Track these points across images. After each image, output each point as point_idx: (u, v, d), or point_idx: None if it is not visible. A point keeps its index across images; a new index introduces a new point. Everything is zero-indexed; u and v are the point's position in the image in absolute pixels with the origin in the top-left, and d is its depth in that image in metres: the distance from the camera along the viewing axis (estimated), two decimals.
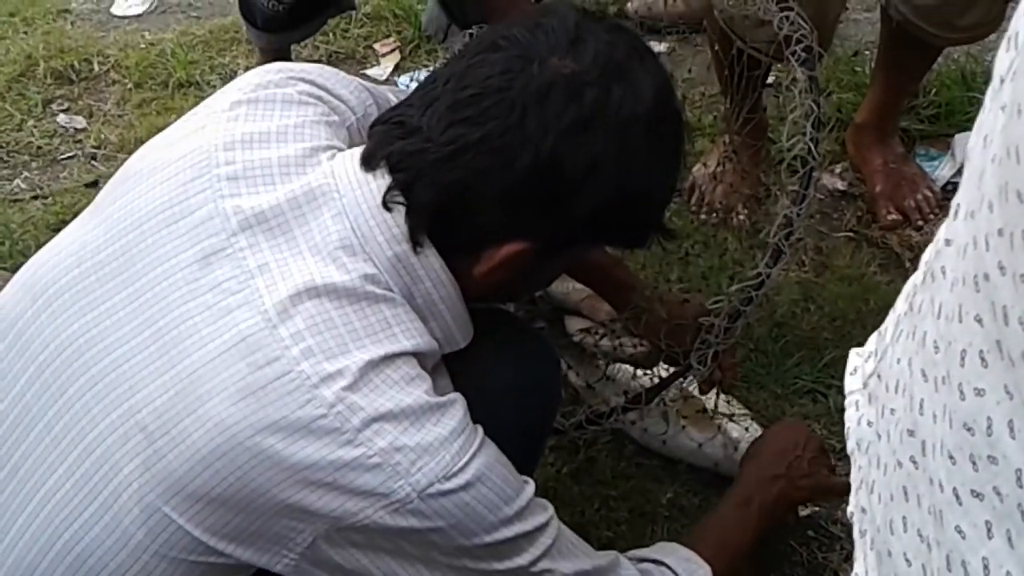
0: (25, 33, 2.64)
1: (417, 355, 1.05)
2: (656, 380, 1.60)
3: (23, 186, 2.25)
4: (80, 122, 2.39)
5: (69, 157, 2.32)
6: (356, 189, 1.06)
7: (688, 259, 1.94)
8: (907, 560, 0.73)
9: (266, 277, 1.02)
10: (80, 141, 2.35)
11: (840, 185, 2.16)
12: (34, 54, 2.53)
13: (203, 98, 2.34)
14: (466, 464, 1.03)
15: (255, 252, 1.04)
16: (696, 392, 1.63)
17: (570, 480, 1.67)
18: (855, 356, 0.94)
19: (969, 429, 0.63)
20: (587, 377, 1.70)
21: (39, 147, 2.33)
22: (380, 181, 1.06)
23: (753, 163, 2.03)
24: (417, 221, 1.05)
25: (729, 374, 1.57)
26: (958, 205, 0.67)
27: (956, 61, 2.28)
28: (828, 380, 1.76)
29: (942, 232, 0.70)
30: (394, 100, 1.25)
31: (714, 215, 2.05)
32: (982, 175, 0.62)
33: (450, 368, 1.13)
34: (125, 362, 1.04)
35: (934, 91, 2.24)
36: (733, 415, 1.65)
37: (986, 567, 0.63)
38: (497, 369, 1.22)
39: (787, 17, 1.45)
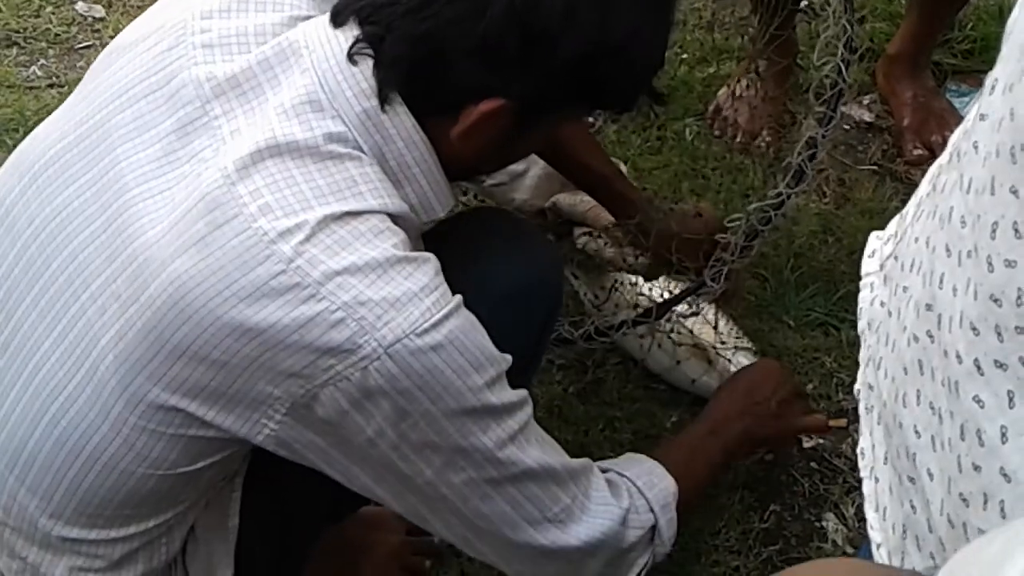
0: None
1: (388, 215, 1.01)
2: (667, 295, 1.59)
3: (39, 73, 2.23)
4: (99, 11, 2.36)
5: (87, 46, 2.28)
6: (324, 44, 1.03)
7: (707, 182, 1.92)
8: (916, 432, 0.74)
9: (236, 141, 1.00)
10: (98, 31, 2.31)
11: (867, 117, 2.13)
12: None
13: None
14: (438, 323, 0.98)
15: (229, 119, 1.02)
16: (699, 322, 1.61)
17: (576, 399, 1.67)
18: (875, 239, 0.94)
19: (996, 300, 0.62)
20: (595, 289, 1.68)
21: (57, 35, 2.29)
22: (349, 34, 1.03)
23: (779, 87, 2.00)
24: (387, 75, 1.02)
25: (736, 299, 1.55)
26: (995, 80, 0.66)
27: None
28: (842, 313, 1.75)
29: (974, 109, 0.69)
30: None
31: (736, 138, 2.02)
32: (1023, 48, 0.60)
33: (447, 260, 1.08)
34: (102, 233, 1.03)
35: (970, 25, 2.19)
36: (733, 347, 1.64)
37: (1004, 435, 0.64)
38: (497, 263, 1.20)
39: None
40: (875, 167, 2.02)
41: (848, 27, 1.39)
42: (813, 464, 1.60)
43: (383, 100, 1.02)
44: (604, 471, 1.23)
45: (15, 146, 1.98)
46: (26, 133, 2.02)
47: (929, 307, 0.72)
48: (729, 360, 1.61)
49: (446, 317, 0.99)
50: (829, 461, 1.60)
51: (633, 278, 1.67)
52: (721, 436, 1.39)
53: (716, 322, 1.63)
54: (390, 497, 1.09)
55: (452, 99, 1.04)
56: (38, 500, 1.07)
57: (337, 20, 1.04)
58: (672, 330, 1.61)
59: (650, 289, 1.64)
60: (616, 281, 1.68)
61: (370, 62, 1.02)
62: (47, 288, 1.05)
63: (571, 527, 1.13)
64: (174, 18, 1.08)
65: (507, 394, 1.06)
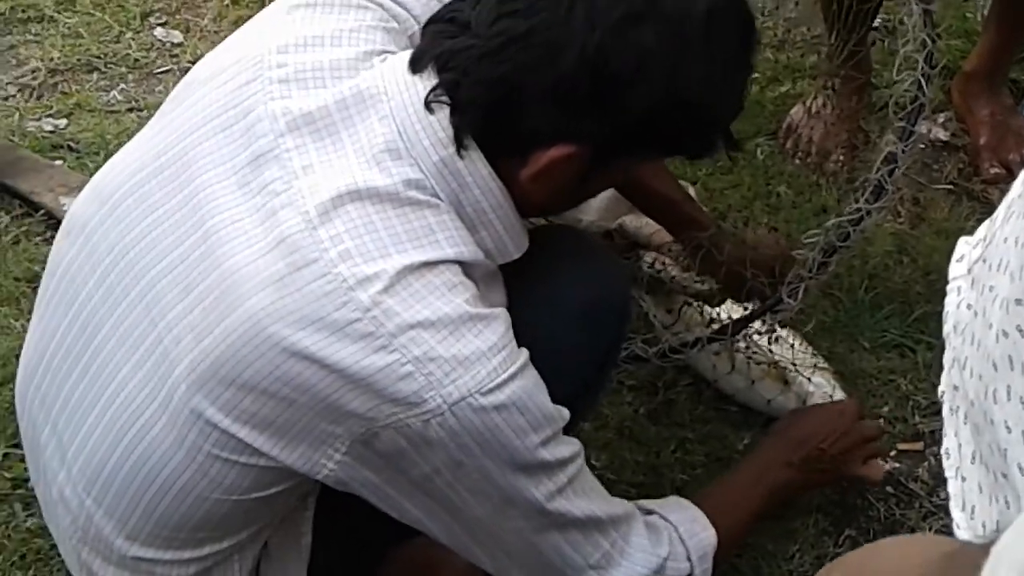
0: None
1: (462, 264, 1.03)
2: (738, 315, 1.58)
3: (119, 98, 2.28)
4: (177, 36, 2.41)
5: (165, 71, 2.33)
6: (404, 91, 1.04)
7: (779, 201, 1.90)
8: (1007, 427, 0.73)
9: (310, 178, 1.02)
10: (176, 56, 2.36)
11: (942, 135, 2.09)
12: None
13: None
14: (502, 383, 1.01)
15: (301, 153, 1.03)
16: (774, 344, 1.60)
17: (647, 420, 1.66)
18: (963, 244, 0.93)
19: None
20: (664, 311, 1.68)
21: (136, 60, 2.35)
22: (427, 82, 1.04)
23: (854, 105, 1.98)
24: (463, 120, 1.03)
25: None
26: None
27: None
28: (917, 335, 1.72)
29: None
30: None
31: (809, 157, 2.00)
32: None
33: (515, 279, 1.11)
34: (180, 263, 1.05)
35: None
36: (811, 367, 1.62)
37: None
38: (565, 283, 1.20)
39: None
40: (951, 186, 1.99)
41: (928, 41, 1.38)
42: (889, 488, 1.57)
43: (459, 146, 1.03)
44: (648, 513, 1.24)
45: (96, 169, 2.05)
46: (107, 157, 2.08)
47: (1019, 302, 0.71)
48: (809, 379, 1.59)
49: (511, 378, 1.02)
50: (905, 485, 1.57)
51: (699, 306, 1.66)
52: (766, 486, 1.39)
53: (792, 342, 1.62)
54: (439, 530, 1.11)
55: (524, 142, 1.05)
56: (114, 523, 1.09)
57: (415, 66, 1.05)
58: (747, 348, 1.59)
59: (719, 312, 1.62)
60: (684, 302, 1.67)
61: (447, 109, 1.04)
62: (126, 315, 1.08)
63: (610, 572, 1.15)
64: (251, 52, 1.09)
65: (560, 449, 1.08)
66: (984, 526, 0.78)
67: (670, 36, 1.02)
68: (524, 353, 1.05)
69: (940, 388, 0.88)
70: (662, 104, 1.05)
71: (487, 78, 1.03)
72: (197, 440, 1.04)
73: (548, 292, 1.15)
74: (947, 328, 0.89)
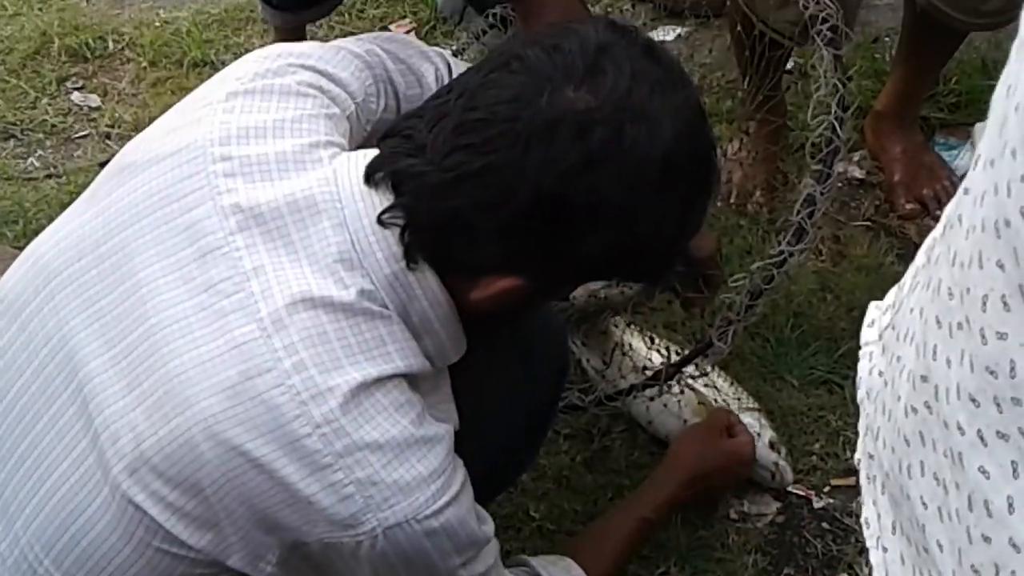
0: (40, 10, 2.63)
1: (409, 376, 1.04)
2: (670, 357, 1.60)
3: (37, 164, 2.25)
4: (94, 100, 2.39)
5: (83, 136, 2.31)
6: (358, 202, 1.03)
7: None
8: (923, 503, 0.74)
9: (261, 280, 1.01)
10: (94, 120, 2.34)
11: (858, 173, 2.15)
12: (49, 31, 2.52)
13: None
14: (438, 511, 1.03)
15: (251, 253, 1.02)
16: (705, 383, 1.62)
17: (584, 468, 1.66)
18: (874, 309, 0.95)
19: (992, 372, 0.63)
20: (599, 355, 1.69)
21: (53, 125, 2.33)
22: (381, 197, 1.04)
23: (770, 147, 2.02)
24: (414, 242, 1.03)
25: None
26: (978, 155, 0.67)
27: (978, 49, 2.26)
28: (844, 371, 1.75)
29: (962, 184, 0.71)
30: (392, 68, 1.23)
31: (730, 199, 2.03)
32: (1004, 123, 0.61)
33: None
34: (123, 359, 1.03)
35: (955, 79, 2.22)
36: (739, 408, 1.64)
37: (1011, 505, 0.64)
38: (504, 340, 1.21)
39: None
40: (869, 223, 2.04)
41: (839, 85, 1.42)
42: (825, 524, 1.59)
43: (410, 261, 1.04)
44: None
45: (15, 238, 2.03)
46: (26, 225, 2.06)
47: (924, 378, 0.72)
48: (737, 419, 1.61)
49: (446, 505, 1.03)
50: (841, 521, 1.59)
51: (636, 343, 1.67)
52: (636, 511, 1.49)
53: (721, 382, 1.64)
54: None
55: (474, 268, 1.05)
56: None
57: (370, 178, 1.04)
58: (680, 392, 1.61)
59: (653, 351, 1.64)
60: (618, 345, 1.68)
61: (398, 228, 1.03)
62: (63, 410, 1.05)
63: None
64: (190, 141, 1.07)
65: (477, 567, 1.10)
66: None
67: (626, 181, 1.00)
68: (460, 475, 1.07)
69: (856, 455, 0.89)
70: (616, 246, 1.05)
71: (440, 208, 1.02)
72: (145, 536, 1.02)
73: (489, 351, 1.15)
74: (860, 394, 0.90)
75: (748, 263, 1.76)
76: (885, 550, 0.83)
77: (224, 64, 2.45)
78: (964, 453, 0.67)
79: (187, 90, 2.30)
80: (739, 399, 1.65)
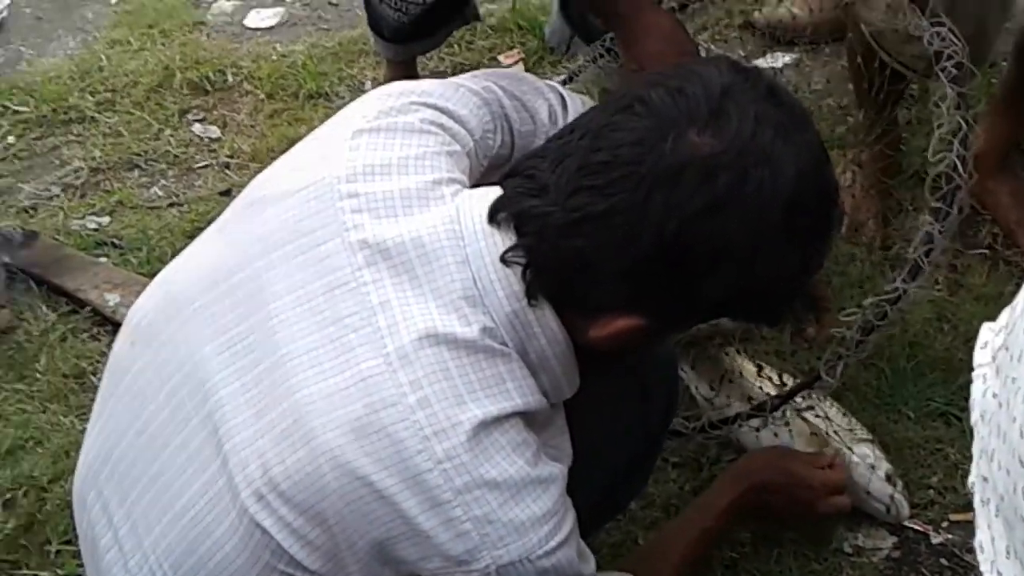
0: (163, 45, 2.72)
1: (526, 414, 1.06)
2: (781, 389, 1.58)
3: (160, 193, 2.33)
4: (214, 132, 2.46)
5: (204, 166, 2.38)
6: (481, 240, 1.05)
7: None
8: None
9: (387, 315, 1.03)
10: (214, 150, 2.41)
11: (975, 203, 2.09)
12: (171, 65, 2.60)
13: (332, 109, 2.41)
14: (549, 552, 1.05)
15: (378, 288, 1.04)
16: (815, 413, 1.60)
17: (692, 497, 1.64)
18: (987, 330, 0.93)
19: None
20: (707, 382, 1.68)
21: (176, 156, 2.40)
22: (504, 237, 1.06)
23: (884, 178, 1.98)
24: (535, 281, 1.05)
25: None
26: None
27: None
28: (962, 402, 1.70)
29: None
30: (507, 104, 1.25)
31: (842, 230, 2.00)
32: None
33: None
34: (253, 387, 1.06)
35: None
36: (852, 438, 1.61)
37: None
38: (616, 370, 1.21)
39: (938, 33, 1.42)
40: (986, 252, 1.99)
41: (963, 123, 1.39)
42: (943, 560, 1.55)
43: (531, 299, 1.05)
44: None
45: (139, 264, 2.11)
46: (150, 252, 2.13)
47: None
48: (851, 450, 1.59)
49: (558, 546, 1.05)
50: (960, 557, 1.55)
51: (746, 370, 1.66)
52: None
53: (834, 413, 1.61)
54: None
55: (594, 307, 1.07)
56: None
57: (493, 217, 1.06)
58: (787, 423, 1.59)
59: (762, 380, 1.63)
60: (728, 372, 1.67)
61: (519, 267, 1.05)
62: (193, 436, 1.09)
63: None
64: (318, 178, 1.10)
65: None
66: None
67: (750, 225, 1.01)
68: (571, 516, 1.08)
69: (970, 479, 0.88)
70: (737, 288, 1.05)
71: (563, 248, 1.04)
72: (271, 560, 1.05)
73: (601, 381, 1.16)
74: (974, 417, 0.88)
75: (860, 295, 1.73)
76: (999, 574, 0.81)
77: (338, 95, 2.52)
78: None
79: (303, 121, 2.40)
80: (852, 430, 1.62)
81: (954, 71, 1.42)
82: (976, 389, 0.90)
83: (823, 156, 1.07)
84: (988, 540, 0.84)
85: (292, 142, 1.18)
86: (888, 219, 1.99)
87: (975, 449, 0.89)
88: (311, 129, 1.25)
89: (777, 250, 1.04)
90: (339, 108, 2.20)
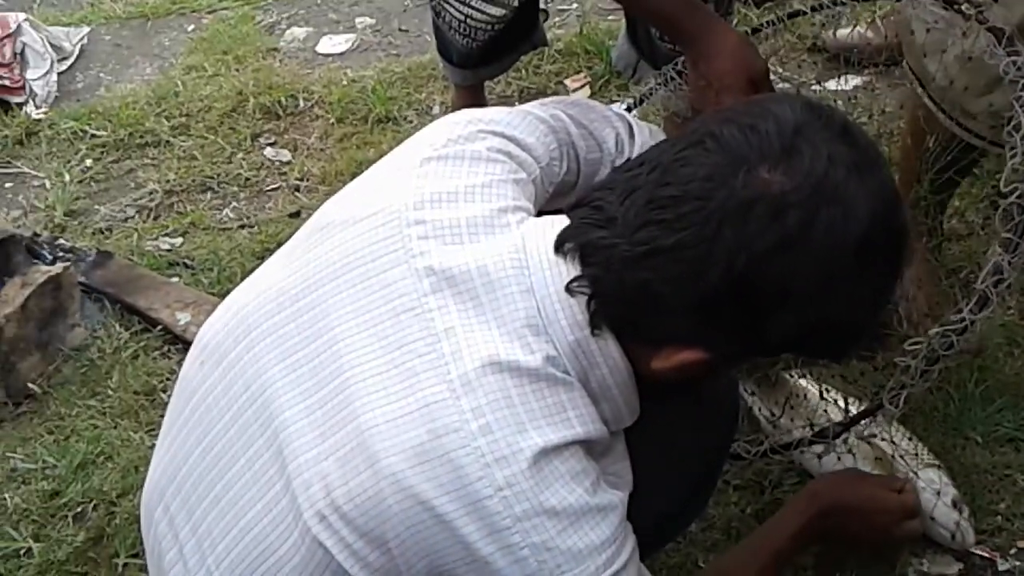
0: (237, 71, 2.78)
1: (587, 442, 1.06)
2: (842, 408, 1.56)
3: (231, 215, 2.37)
4: (285, 155, 2.51)
5: (274, 189, 2.43)
6: (546, 270, 1.06)
7: None
8: None
9: (452, 342, 1.04)
10: (285, 173, 2.46)
11: None
12: (244, 90, 2.66)
13: (400, 133, 2.45)
14: None
15: (443, 315, 1.05)
16: (881, 437, 1.57)
17: (754, 520, 1.63)
18: None
19: None
20: (771, 404, 1.67)
21: (247, 179, 2.45)
22: (570, 267, 1.06)
23: (931, 265, 1.86)
24: (600, 311, 1.05)
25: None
26: None
27: None
28: None
29: None
30: (574, 132, 1.26)
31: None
32: None
33: None
34: (318, 409, 1.08)
35: None
36: (918, 463, 1.59)
37: None
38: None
39: (1015, 62, 1.38)
40: None
41: None
42: None
43: (594, 329, 1.06)
44: None
45: (210, 284, 2.15)
46: (220, 272, 2.18)
47: None
48: (917, 475, 1.56)
49: (615, 574, 1.05)
50: None
51: (810, 393, 1.64)
52: (770, 543, 1.44)
53: (900, 437, 1.59)
54: None
55: (658, 339, 1.07)
56: None
57: (559, 248, 1.07)
58: (850, 449, 1.57)
59: (827, 403, 1.61)
60: (792, 395, 1.66)
61: (584, 297, 1.06)
62: (258, 455, 1.10)
63: None
64: (386, 204, 1.11)
65: None
66: None
67: (820, 266, 1.00)
68: (630, 544, 1.08)
69: None
70: (805, 326, 1.05)
71: (628, 281, 1.04)
72: None
73: (662, 403, 1.16)
74: None
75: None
76: None
77: (407, 120, 2.56)
78: None
79: (371, 145, 2.43)
80: (918, 455, 1.60)
81: None
82: None
83: (895, 197, 1.06)
84: None
85: (361, 165, 1.20)
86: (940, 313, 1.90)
87: None
88: (380, 153, 1.28)
89: (845, 290, 1.03)
90: (408, 132, 2.26)
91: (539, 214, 1.14)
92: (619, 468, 1.13)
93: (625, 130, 1.34)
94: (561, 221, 1.09)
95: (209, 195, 2.43)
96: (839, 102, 2.09)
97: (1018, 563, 1.53)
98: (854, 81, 2.45)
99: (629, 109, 1.83)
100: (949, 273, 1.88)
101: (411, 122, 2.53)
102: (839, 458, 1.59)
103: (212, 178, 2.46)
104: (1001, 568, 1.53)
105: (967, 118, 1.59)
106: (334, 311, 1.10)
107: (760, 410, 1.68)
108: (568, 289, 1.05)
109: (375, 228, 1.11)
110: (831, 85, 2.40)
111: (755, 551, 1.45)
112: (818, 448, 1.54)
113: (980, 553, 1.56)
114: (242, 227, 2.33)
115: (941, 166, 1.64)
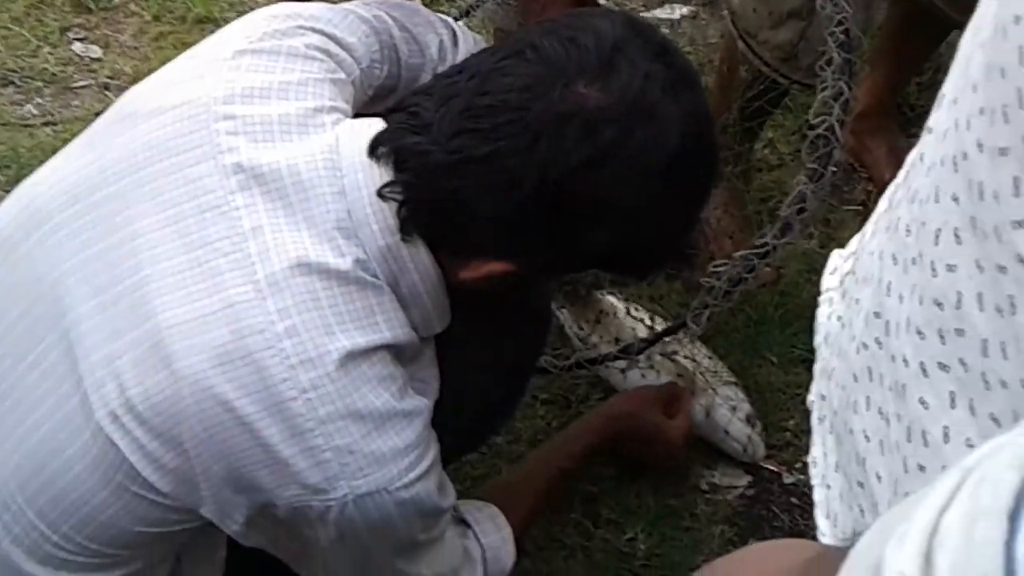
0: None
1: (395, 347, 1.06)
2: (650, 332, 1.61)
3: (34, 112, 2.25)
4: (96, 52, 2.39)
5: (83, 86, 2.31)
6: (358, 172, 1.04)
7: None
8: (866, 437, 0.75)
9: (259, 242, 1.02)
10: (94, 71, 2.34)
11: (853, 160, 2.14)
12: None
13: None
14: (408, 484, 1.04)
15: (251, 213, 1.03)
16: (684, 355, 1.63)
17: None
18: (836, 257, 0.96)
19: (939, 304, 0.64)
20: (580, 321, 1.70)
21: (53, 74, 2.32)
22: (383, 171, 1.04)
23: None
24: (411, 218, 1.04)
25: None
26: (943, 95, 0.68)
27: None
28: None
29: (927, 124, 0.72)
30: (397, 36, 1.23)
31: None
32: (969, 61, 0.63)
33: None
34: (112, 305, 1.04)
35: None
36: (718, 380, 1.65)
37: (946, 435, 0.66)
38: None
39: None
40: (859, 207, 2.04)
41: (846, 88, 1.41)
42: (794, 500, 1.60)
43: (404, 235, 1.05)
44: (467, 525, 1.27)
45: (7, 182, 2.04)
46: (19, 170, 2.07)
47: (877, 315, 0.73)
48: (715, 391, 1.62)
49: (418, 479, 1.05)
50: (809, 496, 1.58)
51: (617, 310, 1.68)
52: (555, 460, 1.48)
53: (701, 355, 1.65)
54: (305, 572, 1.16)
55: (467, 249, 1.07)
56: (23, 550, 1.08)
57: (373, 152, 1.05)
58: (653, 365, 1.62)
59: (635, 322, 1.65)
60: (601, 313, 1.69)
61: (396, 203, 1.05)
62: (48, 352, 1.06)
63: None
64: (195, 96, 1.07)
65: (435, 532, 1.13)
66: (844, 534, 0.81)
67: (631, 182, 1.02)
68: (433, 449, 1.08)
69: (810, 397, 0.91)
70: (615, 243, 1.06)
71: (441, 188, 1.03)
72: (123, 481, 1.03)
73: (473, 315, 1.16)
74: (818, 339, 0.92)
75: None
76: (828, 487, 0.85)
77: (228, 22, 2.45)
78: (907, 385, 0.68)
79: (189, 45, 2.29)
80: (718, 372, 1.66)
81: (843, 37, 1.44)
82: (821, 313, 0.93)
83: (708, 118, 1.08)
84: (821, 455, 0.87)
85: None
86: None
87: (816, 369, 0.92)
88: None
89: (656, 208, 1.05)
90: None
91: (356, 117, 1.12)
92: (426, 375, 1.13)
93: (449, 37, 1.32)
94: (377, 124, 1.07)
95: (11, 90, 2.29)
96: (665, 30, 2.12)
97: (802, 477, 1.61)
98: (681, 10, 2.49)
99: (457, 19, 1.81)
100: (758, 201, 1.96)
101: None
102: (643, 375, 1.64)
103: (15, 72, 2.32)
104: (787, 481, 1.61)
105: (761, 47, 1.64)
106: (134, 205, 1.06)
107: (569, 327, 1.71)
108: (380, 194, 1.04)
109: (182, 120, 1.07)
110: (658, 13, 2.43)
111: (544, 466, 1.49)
112: (623, 363, 1.58)
113: (768, 467, 1.64)
114: (46, 124, 2.21)
115: (752, 95, 1.68)
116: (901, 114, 2.14)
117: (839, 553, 0.49)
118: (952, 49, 1.88)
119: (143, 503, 1.04)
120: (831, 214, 2.02)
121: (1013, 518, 0.34)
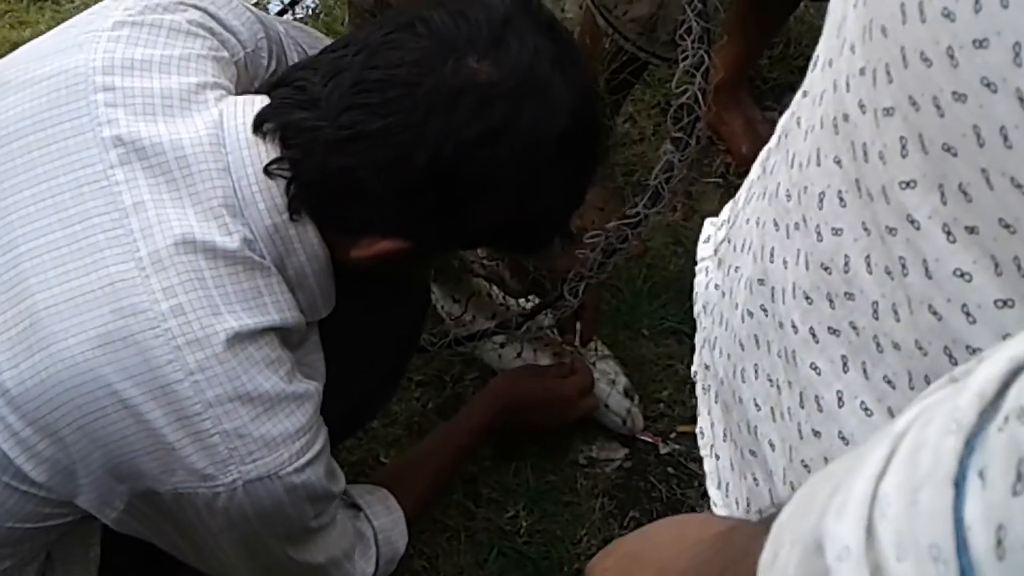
0: None
1: (283, 330, 1.03)
2: (525, 308, 1.61)
3: None
4: None
5: None
6: (244, 149, 1.01)
7: None
8: (756, 405, 0.75)
9: (141, 218, 0.97)
10: None
11: (711, 133, 2.18)
12: None
13: (61, 14, 2.25)
14: (299, 468, 1.02)
15: (132, 188, 0.98)
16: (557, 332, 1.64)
17: (435, 415, 1.66)
18: (709, 225, 0.97)
19: (826, 268, 0.64)
20: (453, 299, 1.69)
21: None
22: (270, 148, 1.01)
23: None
24: (299, 196, 1.01)
25: (589, 316, 1.58)
26: (817, 57, 0.68)
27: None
28: (694, 322, 1.77)
29: (801, 88, 0.72)
30: (287, 43, 1.21)
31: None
32: (843, 22, 0.63)
33: None
34: None
35: (805, 42, 2.27)
36: (594, 354, 1.66)
37: (840, 399, 0.66)
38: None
39: None
40: (720, 180, 2.08)
41: (706, 57, 1.42)
42: (670, 470, 1.63)
43: (292, 214, 1.02)
44: (358, 509, 1.26)
45: None
46: None
47: (761, 282, 0.73)
48: (593, 365, 1.63)
49: (308, 463, 1.03)
50: (685, 466, 1.63)
51: (491, 289, 1.67)
52: (451, 439, 1.49)
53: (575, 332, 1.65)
54: (194, 561, 1.12)
55: (357, 227, 1.04)
56: None
57: (258, 128, 1.02)
58: (530, 340, 1.62)
59: (505, 299, 1.65)
60: (474, 292, 1.68)
61: (284, 181, 1.01)
62: None
63: None
64: (71, 66, 1.02)
65: (325, 517, 1.11)
66: (737, 503, 0.81)
67: (522, 157, 1.01)
68: (323, 434, 1.06)
69: (693, 368, 0.91)
70: (504, 219, 1.05)
71: (330, 165, 1.00)
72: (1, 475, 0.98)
73: (355, 298, 1.14)
74: (697, 309, 0.92)
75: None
76: (718, 457, 0.85)
77: (66, 1, 2.35)
78: (797, 351, 0.68)
79: (28, 24, 2.23)
80: (594, 347, 1.67)
81: (700, 6, 1.45)
82: (699, 282, 0.94)
83: (594, 93, 1.09)
84: (708, 425, 0.88)
85: (15, 46, 1.09)
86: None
87: (697, 339, 0.92)
88: (36, 33, 1.17)
89: (546, 183, 1.05)
90: (69, 13, 2.08)
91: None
92: (312, 359, 1.11)
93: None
94: (262, 100, 1.04)
95: None
96: None
97: (677, 446, 1.64)
98: None
99: (295, 2, 1.78)
100: (621, 176, 1.97)
101: (72, 2, 2.33)
102: (520, 354, 1.64)
103: None
104: (663, 451, 1.63)
105: (619, 22, 1.65)
106: (7, 180, 1.00)
107: (443, 306, 1.69)
108: (267, 171, 1.01)
109: (58, 90, 1.02)
110: None
111: (440, 446, 1.48)
112: (500, 339, 1.57)
113: (644, 438, 1.66)
114: None
115: (616, 67, 1.69)
116: (754, 86, 2.18)
117: (755, 528, 0.48)
118: (800, 23, 1.94)
119: (14, 495, 0.99)
120: (692, 187, 2.05)
121: (957, 483, 0.34)
